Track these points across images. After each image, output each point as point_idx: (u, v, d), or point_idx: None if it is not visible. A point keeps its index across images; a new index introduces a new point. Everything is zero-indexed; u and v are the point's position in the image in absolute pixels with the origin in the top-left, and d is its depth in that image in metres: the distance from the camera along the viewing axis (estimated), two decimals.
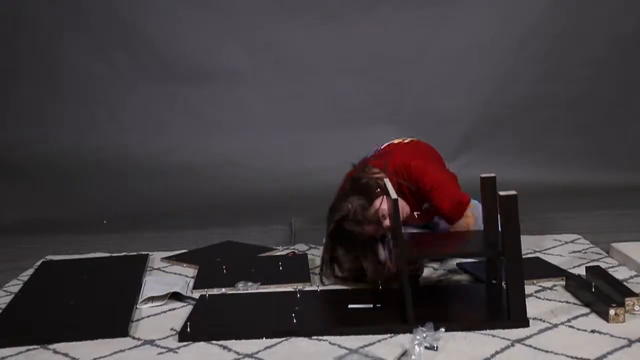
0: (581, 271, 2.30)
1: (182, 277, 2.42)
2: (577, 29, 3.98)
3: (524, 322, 1.81)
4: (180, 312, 2.07)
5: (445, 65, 4.05)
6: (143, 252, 2.80)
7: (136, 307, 2.10)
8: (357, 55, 4.05)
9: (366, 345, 1.75)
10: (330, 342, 1.79)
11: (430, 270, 2.39)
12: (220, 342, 1.82)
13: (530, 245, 2.56)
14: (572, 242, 2.69)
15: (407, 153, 2.48)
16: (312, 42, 4.05)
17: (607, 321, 1.80)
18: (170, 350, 1.81)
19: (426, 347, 1.68)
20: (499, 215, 1.83)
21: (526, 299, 1.84)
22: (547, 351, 1.68)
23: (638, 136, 4.06)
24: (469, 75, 4.06)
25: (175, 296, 2.18)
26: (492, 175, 2.03)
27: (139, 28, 4.06)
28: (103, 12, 4.06)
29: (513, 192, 1.77)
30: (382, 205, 2.19)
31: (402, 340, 1.77)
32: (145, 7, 4.05)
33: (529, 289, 2.03)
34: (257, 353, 1.75)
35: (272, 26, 4.05)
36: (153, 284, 2.26)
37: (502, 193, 1.77)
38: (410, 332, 1.73)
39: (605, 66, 4.01)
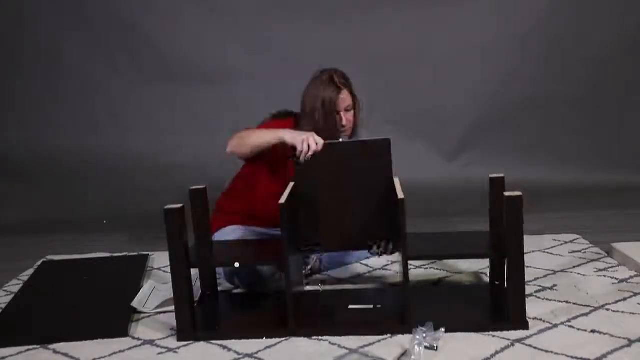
0: (581, 271, 2.30)
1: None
2: (577, 29, 3.98)
3: (523, 324, 1.81)
4: None
5: (445, 65, 4.05)
6: (143, 252, 2.80)
7: (141, 311, 2.10)
8: (357, 55, 4.05)
9: (366, 345, 1.75)
10: (330, 342, 1.79)
11: (431, 272, 2.40)
12: (220, 342, 1.83)
13: (530, 245, 2.56)
14: (572, 242, 2.69)
15: None
16: (312, 42, 4.04)
17: None
18: (170, 350, 1.81)
19: (426, 347, 1.68)
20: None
21: (526, 299, 1.83)
22: (547, 351, 1.68)
23: (638, 136, 4.06)
24: (469, 75, 4.05)
25: None
26: (501, 175, 2.03)
27: (140, 28, 4.06)
28: (104, 13, 4.06)
29: (518, 193, 1.76)
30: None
31: (402, 340, 1.77)
32: (145, 8, 4.05)
33: (529, 288, 2.03)
34: (257, 353, 1.76)
35: (272, 26, 4.05)
36: (156, 294, 2.24)
37: (507, 194, 1.77)
38: (410, 332, 1.73)
39: (605, 66, 4.01)
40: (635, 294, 2.04)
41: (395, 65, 4.04)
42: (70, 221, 3.63)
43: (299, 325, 1.85)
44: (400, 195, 1.80)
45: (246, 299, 2.20)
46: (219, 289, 2.23)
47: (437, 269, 2.40)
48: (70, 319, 2.07)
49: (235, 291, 2.26)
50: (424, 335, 1.70)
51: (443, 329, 1.74)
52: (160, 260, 2.67)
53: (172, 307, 1.91)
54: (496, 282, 2.12)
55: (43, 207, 3.84)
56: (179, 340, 1.86)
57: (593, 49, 3.99)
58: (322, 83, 2.35)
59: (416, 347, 1.66)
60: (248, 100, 4.14)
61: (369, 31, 4.02)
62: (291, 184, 2.04)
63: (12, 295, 2.33)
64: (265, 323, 1.96)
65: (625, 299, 2.00)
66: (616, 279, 2.19)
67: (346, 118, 2.35)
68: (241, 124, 4.26)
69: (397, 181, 1.97)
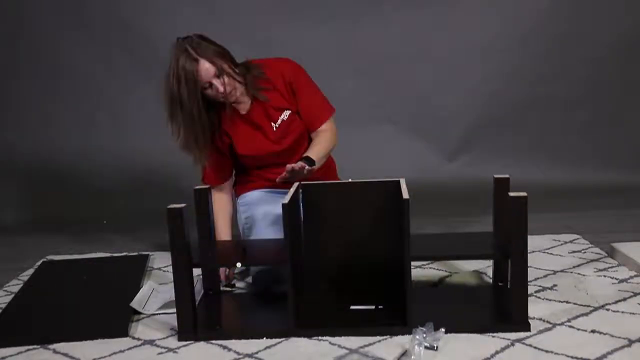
0: (581, 271, 2.30)
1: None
2: (577, 29, 3.98)
3: (525, 325, 1.81)
4: None
5: (445, 65, 4.05)
6: (143, 252, 2.80)
7: (142, 313, 2.10)
8: (357, 55, 4.05)
9: (366, 345, 1.75)
10: (330, 342, 1.79)
11: (431, 272, 2.40)
12: (220, 342, 1.83)
13: (531, 245, 2.55)
14: (571, 242, 2.69)
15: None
16: (312, 42, 4.04)
17: None
18: (170, 350, 1.81)
19: (426, 347, 1.68)
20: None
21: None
22: (547, 351, 1.68)
23: (638, 136, 4.06)
24: (469, 75, 4.06)
25: None
26: (506, 176, 2.03)
27: (140, 28, 4.06)
28: (104, 13, 4.06)
29: (523, 194, 1.76)
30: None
31: (402, 340, 1.77)
32: (145, 7, 4.05)
33: (529, 288, 2.02)
34: (257, 353, 1.76)
35: (272, 26, 4.05)
36: (155, 295, 2.25)
37: (512, 194, 1.77)
38: (410, 332, 1.73)
39: (605, 66, 4.01)
40: (635, 294, 2.04)
41: (395, 65, 4.04)
42: (70, 221, 3.63)
43: (299, 325, 1.85)
44: (405, 195, 1.80)
45: (246, 299, 2.20)
46: (221, 288, 2.24)
47: (437, 269, 2.40)
48: (70, 319, 2.07)
49: (236, 291, 2.26)
50: (424, 335, 1.70)
51: (443, 329, 1.74)
52: (161, 260, 2.68)
53: (172, 310, 1.92)
54: (499, 283, 2.12)
55: (43, 207, 3.84)
56: (179, 340, 1.86)
57: (593, 49, 3.99)
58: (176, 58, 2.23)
59: (416, 347, 1.66)
60: None
61: (369, 31, 4.03)
62: (296, 184, 2.05)
63: (12, 295, 2.33)
64: (265, 323, 1.96)
65: (625, 299, 2.00)
66: (616, 279, 2.19)
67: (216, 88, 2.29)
68: None
69: (402, 182, 1.97)
